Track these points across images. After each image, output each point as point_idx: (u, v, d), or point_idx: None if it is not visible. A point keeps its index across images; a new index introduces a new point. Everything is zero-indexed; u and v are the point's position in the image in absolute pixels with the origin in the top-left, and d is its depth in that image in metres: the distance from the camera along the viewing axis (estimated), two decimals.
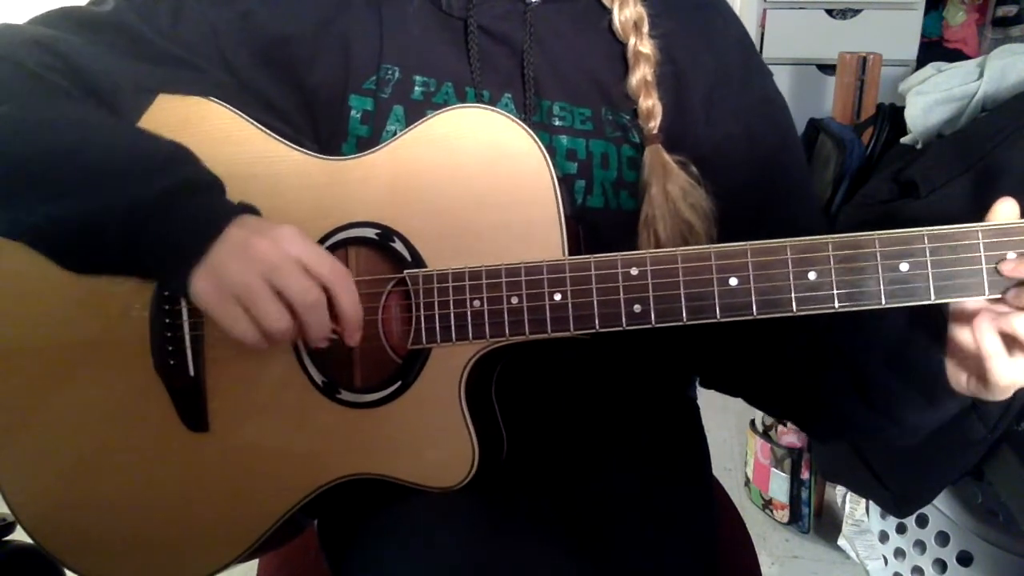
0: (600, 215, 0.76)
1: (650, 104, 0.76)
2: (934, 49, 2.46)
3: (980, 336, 0.58)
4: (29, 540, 0.80)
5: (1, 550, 1.02)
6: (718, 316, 0.63)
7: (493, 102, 0.77)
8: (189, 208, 0.65)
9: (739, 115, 0.78)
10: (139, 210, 0.64)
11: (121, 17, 0.75)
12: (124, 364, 0.76)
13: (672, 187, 0.74)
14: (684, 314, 0.63)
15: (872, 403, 0.70)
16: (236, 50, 0.77)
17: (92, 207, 0.65)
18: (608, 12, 0.78)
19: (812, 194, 0.85)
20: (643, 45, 0.76)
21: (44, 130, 0.68)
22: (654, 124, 0.76)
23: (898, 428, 0.71)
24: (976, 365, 0.60)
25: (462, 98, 0.77)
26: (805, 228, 0.65)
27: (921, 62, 1.82)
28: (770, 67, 0.83)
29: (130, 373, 0.75)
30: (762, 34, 2.44)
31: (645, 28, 0.77)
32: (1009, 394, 0.60)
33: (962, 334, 0.61)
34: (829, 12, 2.39)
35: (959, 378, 0.63)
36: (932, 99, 1.39)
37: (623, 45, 0.78)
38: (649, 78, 0.76)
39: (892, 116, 1.58)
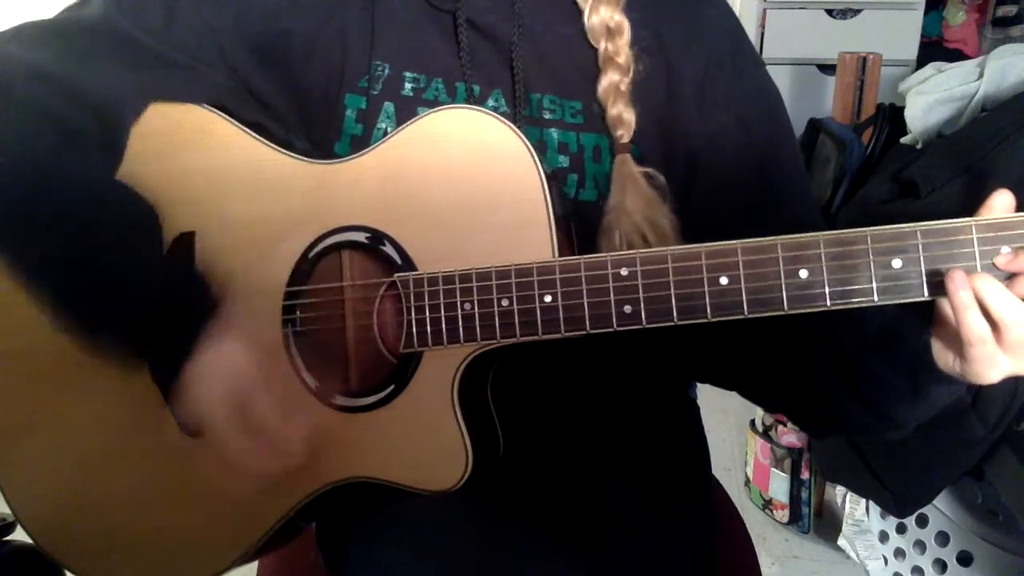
0: (594, 209, 0.75)
1: (617, 112, 0.74)
2: (934, 49, 2.46)
3: (953, 287, 0.57)
4: (30, 540, 0.80)
5: (1, 550, 1.02)
6: (709, 316, 0.62)
7: (483, 97, 0.77)
8: None
9: (731, 105, 0.77)
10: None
11: (112, 23, 0.73)
12: (121, 369, 0.75)
13: (631, 201, 0.73)
14: (675, 314, 0.63)
15: (862, 396, 0.70)
16: (234, 48, 0.76)
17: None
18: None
19: (808, 190, 0.84)
20: (616, 52, 0.74)
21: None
22: (623, 132, 0.74)
23: (886, 422, 0.71)
24: (959, 339, 0.59)
25: (452, 94, 0.76)
26: (801, 224, 0.64)
27: (921, 62, 1.82)
28: (770, 67, 0.81)
29: (127, 378, 0.75)
30: (762, 34, 2.44)
31: (625, 36, 0.74)
32: (988, 377, 0.59)
33: (947, 305, 0.60)
34: (829, 12, 2.38)
35: (946, 358, 0.62)
36: (932, 99, 1.39)
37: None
38: (622, 87, 0.74)
39: (892, 116, 1.58)
